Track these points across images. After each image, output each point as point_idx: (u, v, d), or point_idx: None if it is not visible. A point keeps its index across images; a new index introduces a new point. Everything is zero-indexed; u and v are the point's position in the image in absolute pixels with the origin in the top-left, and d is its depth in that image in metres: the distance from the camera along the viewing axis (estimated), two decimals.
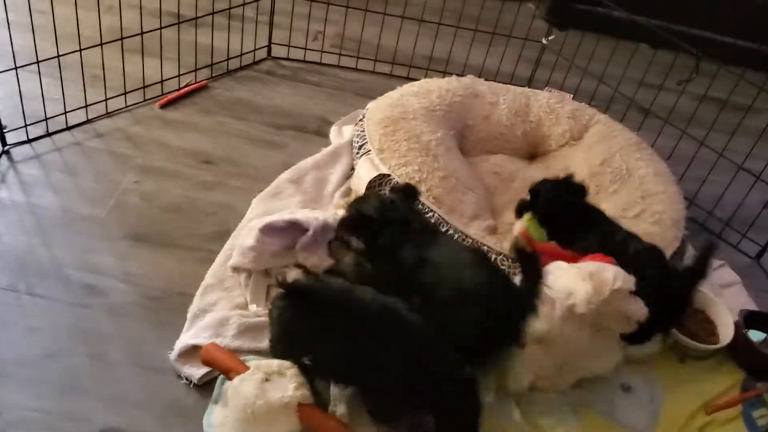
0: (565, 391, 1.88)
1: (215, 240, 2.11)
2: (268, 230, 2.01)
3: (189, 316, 1.90)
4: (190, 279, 1.99)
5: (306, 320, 1.65)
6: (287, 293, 1.64)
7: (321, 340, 1.65)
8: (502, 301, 1.66)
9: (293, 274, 1.68)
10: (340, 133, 2.56)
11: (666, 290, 1.87)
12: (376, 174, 2.24)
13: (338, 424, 1.68)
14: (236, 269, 2.01)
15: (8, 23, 2.14)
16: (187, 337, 1.85)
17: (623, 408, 1.91)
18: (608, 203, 2.29)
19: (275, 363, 1.70)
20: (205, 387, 1.77)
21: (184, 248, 2.09)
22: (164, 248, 2.08)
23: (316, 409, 1.68)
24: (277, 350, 1.73)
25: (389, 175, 2.22)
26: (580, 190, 2.08)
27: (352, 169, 2.39)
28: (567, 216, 2.03)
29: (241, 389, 1.64)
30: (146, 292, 1.96)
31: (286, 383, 1.65)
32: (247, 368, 1.68)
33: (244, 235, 2.04)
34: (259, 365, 1.69)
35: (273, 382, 1.64)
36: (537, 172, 2.40)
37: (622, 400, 1.92)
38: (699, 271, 1.90)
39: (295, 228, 2.03)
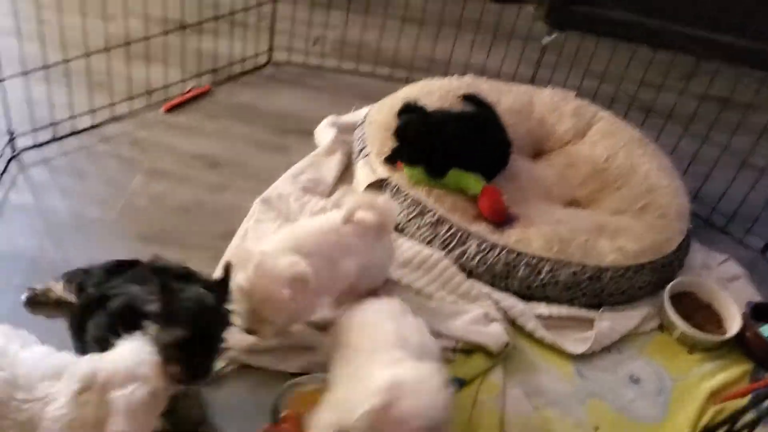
0: (573, 383, 1.90)
1: (224, 238, 2.12)
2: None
3: None
4: None
5: None
6: None
7: None
8: None
9: None
10: (332, 127, 2.54)
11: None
12: (375, 178, 2.26)
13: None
14: None
15: (17, 31, 2.17)
16: None
17: (632, 399, 1.93)
18: (613, 198, 2.31)
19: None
20: None
21: (193, 247, 2.10)
22: (174, 247, 2.09)
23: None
24: None
25: (387, 179, 2.24)
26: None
27: (347, 166, 2.40)
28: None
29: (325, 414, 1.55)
30: None
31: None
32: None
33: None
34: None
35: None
36: (542, 171, 2.42)
37: (631, 392, 1.94)
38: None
39: None
